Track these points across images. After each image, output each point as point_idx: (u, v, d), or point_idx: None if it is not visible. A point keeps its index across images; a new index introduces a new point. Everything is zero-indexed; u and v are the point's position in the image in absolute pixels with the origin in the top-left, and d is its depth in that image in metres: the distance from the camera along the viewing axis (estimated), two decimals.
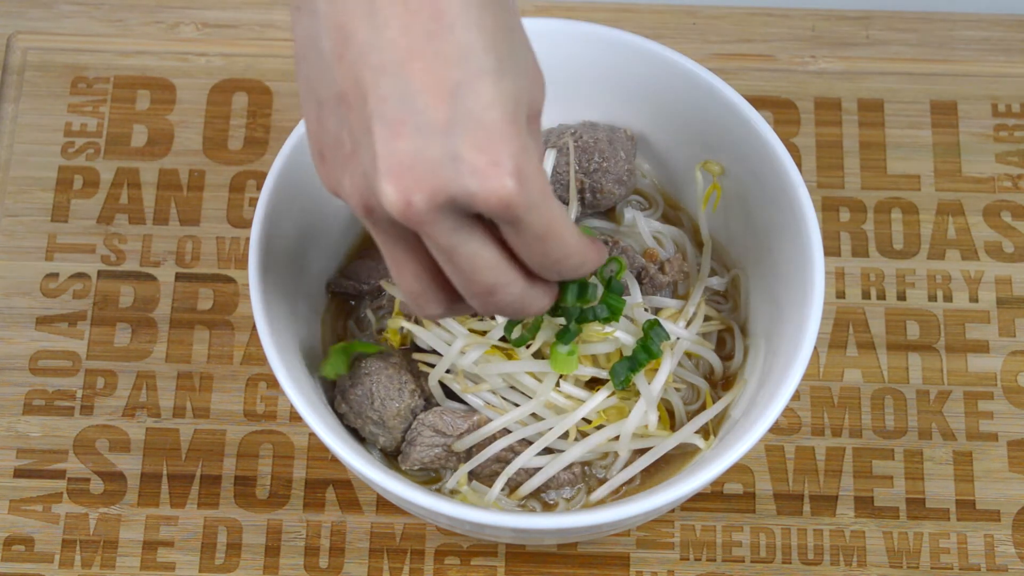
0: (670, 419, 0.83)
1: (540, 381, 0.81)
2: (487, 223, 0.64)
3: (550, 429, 0.81)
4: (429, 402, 0.83)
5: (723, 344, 0.87)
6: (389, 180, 0.61)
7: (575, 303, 0.73)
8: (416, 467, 0.82)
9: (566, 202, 0.86)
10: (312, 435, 0.89)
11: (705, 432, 0.82)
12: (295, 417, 0.90)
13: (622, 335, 0.80)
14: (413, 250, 0.65)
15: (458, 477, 0.82)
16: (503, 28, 0.61)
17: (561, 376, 0.81)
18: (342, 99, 0.62)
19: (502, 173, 0.60)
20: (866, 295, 0.94)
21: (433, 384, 0.82)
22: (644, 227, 0.88)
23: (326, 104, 0.63)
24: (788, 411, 0.91)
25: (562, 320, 0.78)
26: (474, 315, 0.78)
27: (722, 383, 0.85)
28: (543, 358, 0.80)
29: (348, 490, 0.89)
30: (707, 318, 0.86)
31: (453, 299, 0.68)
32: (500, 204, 0.61)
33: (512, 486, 0.82)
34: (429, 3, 0.60)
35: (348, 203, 0.64)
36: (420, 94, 0.60)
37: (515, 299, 0.66)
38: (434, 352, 0.83)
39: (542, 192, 0.62)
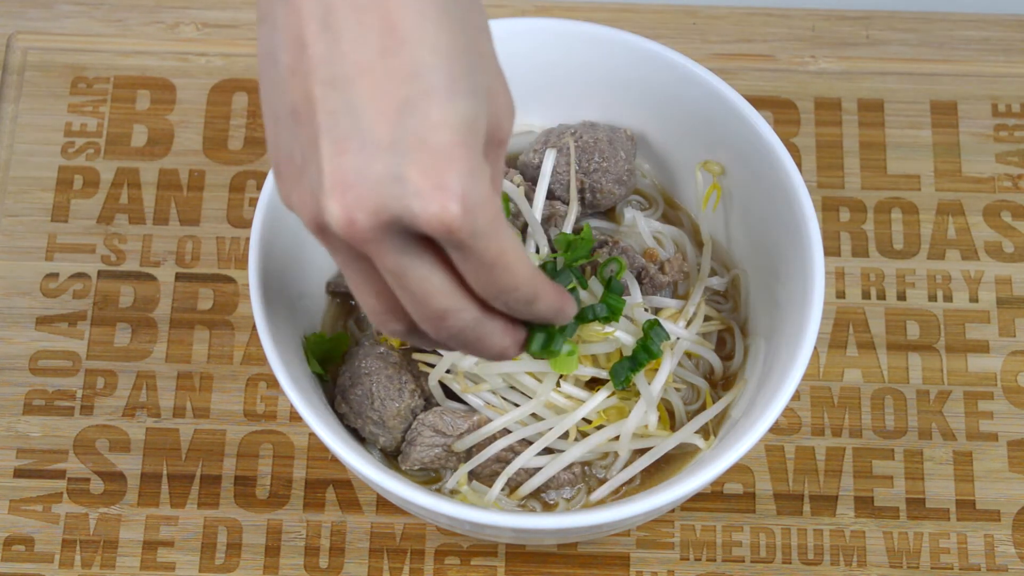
0: (670, 419, 0.83)
1: (540, 381, 0.81)
2: (440, 247, 0.62)
3: (550, 429, 0.81)
4: (429, 402, 0.83)
5: (723, 344, 0.87)
6: (333, 196, 0.59)
7: (540, 352, 0.70)
8: (416, 467, 0.82)
9: (566, 202, 0.87)
10: (312, 435, 0.89)
11: (705, 432, 0.82)
12: (295, 417, 0.90)
13: (622, 335, 0.80)
14: (369, 270, 0.64)
15: (458, 477, 0.81)
16: (462, 48, 0.60)
17: (561, 376, 0.81)
18: (294, 113, 0.60)
19: (446, 197, 0.59)
20: (866, 295, 0.94)
21: (433, 384, 0.82)
22: (644, 227, 0.88)
23: (281, 118, 0.62)
24: (788, 411, 0.90)
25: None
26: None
27: (722, 383, 0.85)
28: (543, 358, 0.80)
29: (348, 490, 0.88)
30: (707, 318, 0.86)
31: (413, 321, 0.66)
32: (443, 228, 0.59)
33: (512, 486, 0.82)
34: (384, 19, 0.59)
35: (301, 219, 0.63)
36: (367, 110, 0.59)
37: (467, 326, 0.64)
38: (434, 352, 0.83)
39: (491, 219, 0.60)
